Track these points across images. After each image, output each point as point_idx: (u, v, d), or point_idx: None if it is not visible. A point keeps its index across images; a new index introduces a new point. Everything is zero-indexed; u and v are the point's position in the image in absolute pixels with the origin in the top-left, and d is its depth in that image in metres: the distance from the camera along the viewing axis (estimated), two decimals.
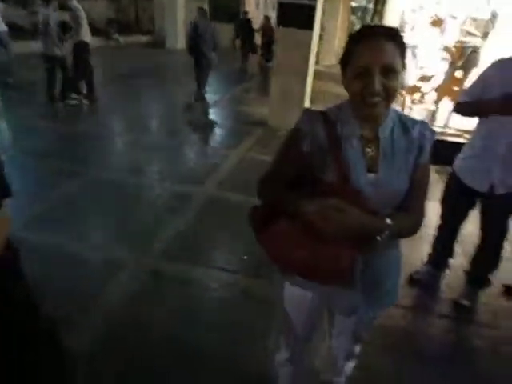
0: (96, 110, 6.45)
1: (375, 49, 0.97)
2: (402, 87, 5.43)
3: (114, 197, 3.59)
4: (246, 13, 12.77)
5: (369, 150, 1.09)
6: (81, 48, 6.19)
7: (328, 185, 1.08)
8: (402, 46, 1.00)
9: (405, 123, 1.11)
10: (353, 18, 22.35)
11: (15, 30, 10.39)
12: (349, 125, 1.09)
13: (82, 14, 6.10)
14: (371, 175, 1.08)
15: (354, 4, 20.98)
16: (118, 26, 15.60)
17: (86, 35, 6.24)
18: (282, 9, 4.85)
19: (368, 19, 11.25)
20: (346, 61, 1.04)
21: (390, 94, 1.00)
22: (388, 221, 1.04)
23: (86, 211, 3.31)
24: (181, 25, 15.41)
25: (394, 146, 1.09)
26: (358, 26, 20.77)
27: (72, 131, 5.34)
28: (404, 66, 1.02)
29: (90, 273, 2.53)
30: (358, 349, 1.49)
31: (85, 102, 6.50)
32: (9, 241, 1.06)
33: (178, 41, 15.49)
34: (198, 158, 4.91)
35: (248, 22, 11.66)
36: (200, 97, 7.34)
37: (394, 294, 1.29)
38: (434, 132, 1.12)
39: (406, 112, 5.36)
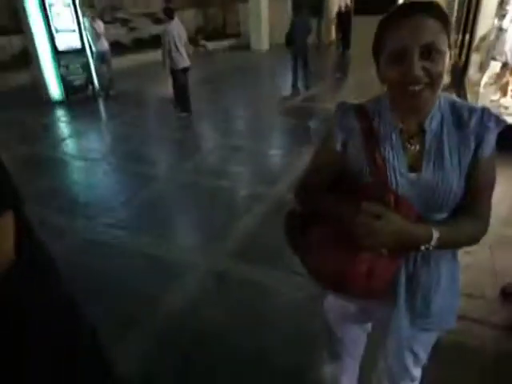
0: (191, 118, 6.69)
1: (411, 27, 0.81)
2: (506, 67, 4.71)
3: (193, 198, 3.75)
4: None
5: (411, 145, 0.92)
6: None
7: (365, 186, 0.95)
8: (445, 21, 0.82)
9: (459, 112, 0.91)
10: None
11: (116, 47, 11.61)
12: (387, 118, 0.94)
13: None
14: (413, 175, 0.91)
15: None
16: (206, 33, 16.45)
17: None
18: None
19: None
20: (378, 47, 0.89)
21: (434, 80, 0.82)
22: (435, 228, 0.87)
23: (165, 213, 3.50)
24: (265, 27, 15.66)
25: (443, 140, 0.90)
26: (457, 3, 18.84)
27: (164, 136, 5.75)
28: (451, 45, 0.84)
29: (159, 274, 2.65)
30: (418, 372, 1.30)
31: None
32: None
33: (263, 42, 15.74)
34: (277, 158, 4.88)
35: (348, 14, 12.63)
36: (296, 87, 8.05)
37: (449, 316, 1.07)
38: (501, 120, 0.90)
39: (509, 97, 4.64)
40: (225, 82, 9.53)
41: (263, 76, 11.21)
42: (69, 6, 7.28)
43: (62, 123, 6.61)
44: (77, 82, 7.69)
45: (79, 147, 5.43)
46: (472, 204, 0.92)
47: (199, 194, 3.78)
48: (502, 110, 4.66)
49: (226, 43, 17.07)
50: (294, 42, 7.77)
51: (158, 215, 3.39)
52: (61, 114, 7.02)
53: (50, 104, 7.41)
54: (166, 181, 4.12)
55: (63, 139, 5.65)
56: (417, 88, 0.82)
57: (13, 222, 0.88)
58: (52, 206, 3.55)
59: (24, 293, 0.97)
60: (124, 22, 15.71)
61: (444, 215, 0.94)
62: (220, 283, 2.51)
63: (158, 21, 15.62)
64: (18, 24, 7.73)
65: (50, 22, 7.00)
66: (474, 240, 0.95)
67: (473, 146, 0.89)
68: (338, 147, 0.98)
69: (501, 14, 4.78)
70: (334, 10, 16.98)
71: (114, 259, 2.78)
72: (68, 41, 7.40)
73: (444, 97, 0.93)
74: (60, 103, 7.46)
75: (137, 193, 3.81)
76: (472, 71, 6.28)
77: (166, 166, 4.63)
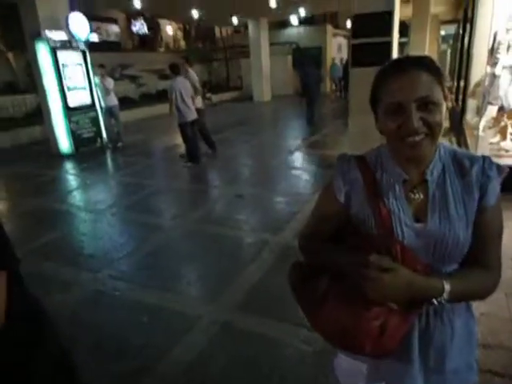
0: (198, 167, 6.82)
1: (407, 81, 0.84)
2: (502, 111, 4.82)
3: (199, 247, 3.72)
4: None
5: (414, 195, 0.93)
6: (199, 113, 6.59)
7: (370, 238, 0.93)
8: (438, 74, 0.86)
9: (461, 161, 0.92)
10: (444, 46, 21.37)
11: (125, 101, 12.13)
12: (389, 169, 0.95)
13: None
14: (419, 225, 0.90)
15: (443, 33, 20.16)
16: (210, 86, 17.21)
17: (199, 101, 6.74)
18: (355, 49, 4.80)
19: (459, 45, 10.59)
20: (375, 100, 0.92)
21: (433, 130, 0.85)
22: (446, 281, 0.85)
23: (170, 264, 3.47)
24: (266, 80, 16.41)
25: (446, 189, 0.91)
26: (449, 54, 19.76)
27: (170, 186, 5.83)
28: (446, 96, 0.87)
29: (164, 326, 2.57)
30: None
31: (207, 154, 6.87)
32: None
33: (265, 94, 16.40)
34: (284, 205, 4.90)
35: (346, 66, 13.53)
36: (311, 125, 9.55)
37: (467, 373, 1.00)
38: (502, 169, 0.90)
39: (509, 140, 4.71)
40: (230, 131, 9.80)
41: (268, 125, 11.55)
42: (81, 65, 7.72)
43: (71, 176, 6.75)
44: (86, 136, 7.96)
45: (86, 199, 5.50)
46: (481, 254, 0.91)
47: (204, 244, 3.76)
48: (503, 153, 4.71)
49: (229, 95, 17.80)
50: (308, 90, 9.40)
51: (163, 266, 3.35)
52: (69, 166, 7.19)
53: (59, 157, 7.63)
54: (172, 231, 4.12)
55: (71, 191, 5.74)
56: (416, 138, 0.84)
57: (5, 285, 0.88)
58: (57, 259, 3.53)
59: (18, 350, 0.98)
60: (133, 79, 16.55)
61: (454, 266, 0.92)
62: (225, 335, 2.42)
63: (164, 77, 16.47)
64: (33, 83, 8.15)
65: (63, 80, 7.38)
66: (487, 292, 0.92)
67: (477, 195, 0.89)
68: (342, 198, 0.98)
69: (492, 61, 4.97)
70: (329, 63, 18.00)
71: (117, 311, 2.71)
72: (79, 97, 7.75)
73: (444, 146, 0.94)
74: (69, 156, 7.67)
75: (141, 244, 3.80)
76: (469, 115, 6.45)
77: (172, 216, 4.65)
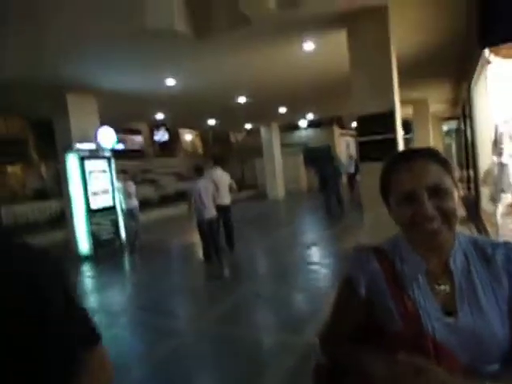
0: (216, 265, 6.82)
1: (417, 170, 0.87)
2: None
3: (214, 352, 3.49)
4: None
5: (439, 287, 0.88)
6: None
7: (396, 335, 0.86)
8: (445, 164, 0.89)
9: (483, 249, 0.89)
10: (447, 139, 22.39)
11: (145, 203, 12.62)
12: (410, 259, 0.91)
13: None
14: (449, 319, 0.84)
15: (445, 128, 21.30)
16: None
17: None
18: (362, 146, 5.07)
19: (463, 138, 11.14)
20: (386, 191, 0.93)
21: (448, 217, 0.84)
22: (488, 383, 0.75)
23: (183, 371, 3.23)
24: (279, 178, 17.10)
25: (472, 278, 0.86)
26: (454, 147, 20.56)
27: (187, 286, 5.72)
28: (456, 185, 0.89)
29: None
30: None
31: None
32: None
33: (279, 191, 16.94)
34: (301, 303, 4.69)
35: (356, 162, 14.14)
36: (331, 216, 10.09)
37: None
38: None
39: None
40: (247, 228, 9.89)
41: (283, 221, 11.68)
42: (105, 171, 8.26)
43: (88, 278, 6.73)
44: (105, 237, 8.13)
45: (101, 301, 5.39)
46: None
47: (221, 347, 3.52)
48: None
49: (244, 194, 18.39)
50: (327, 184, 10.36)
51: (175, 374, 3.11)
52: (87, 268, 7.22)
53: (78, 259, 7.71)
54: (186, 334, 3.91)
55: (87, 293, 5.67)
56: (433, 226, 0.83)
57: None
58: None
59: None
60: (152, 182, 17.46)
61: (494, 366, 0.82)
62: None
63: (181, 178, 17.36)
64: (59, 190, 8.66)
65: (88, 186, 7.84)
66: None
67: (506, 283, 0.85)
68: (362, 291, 0.93)
69: (498, 151, 5.14)
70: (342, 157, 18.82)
71: None
72: (101, 200, 8.14)
73: (463, 235, 0.92)
74: (88, 258, 7.75)
75: (154, 348, 3.59)
76: (485, 203, 6.44)
77: (187, 318, 4.47)
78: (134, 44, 5.25)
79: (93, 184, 7.95)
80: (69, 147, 7.68)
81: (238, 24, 2.87)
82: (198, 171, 6.39)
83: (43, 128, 11.67)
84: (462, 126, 10.87)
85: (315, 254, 6.98)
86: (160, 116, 12.03)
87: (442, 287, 0.88)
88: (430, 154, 0.90)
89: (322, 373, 1.01)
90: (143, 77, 7.20)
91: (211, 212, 6.29)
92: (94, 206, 7.92)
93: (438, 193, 0.84)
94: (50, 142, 8.55)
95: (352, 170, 15.06)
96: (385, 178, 0.94)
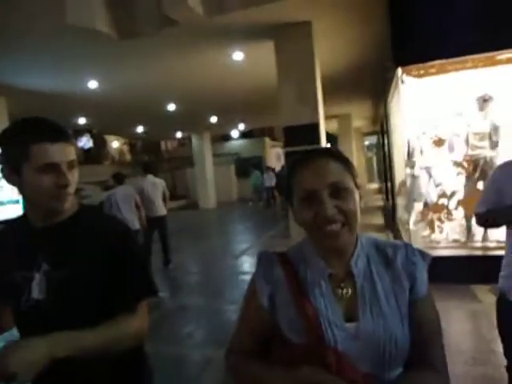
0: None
1: (317, 168, 0.84)
2: (427, 206, 5.25)
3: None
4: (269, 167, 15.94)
5: (342, 290, 0.85)
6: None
7: (301, 348, 0.81)
8: (346, 163, 0.87)
9: (383, 251, 0.89)
10: (369, 153, 24.06)
11: None
12: (313, 263, 0.88)
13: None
14: (351, 325, 0.81)
15: (367, 142, 22.91)
16: None
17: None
18: (287, 156, 5.19)
19: (381, 152, 12.03)
20: (289, 192, 0.90)
21: (349, 217, 0.82)
22: None
23: None
24: (211, 188, 16.97)
25: (374, 281, 0.85)
26: (375, 160, 22.15)
27: None
28: (358, 185, 0.87)
29: None
30: None
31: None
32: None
33: (210, 201, 16.79)
34: (228, 315, 4.59)
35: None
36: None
37: None
38: (426, 254, 0.89)
39: (437, 232, 5.04)
40: (177, 237, 9.55)
41: (214, 230, 11.55)
42: None
43: None
44: None
45: None
46: (423, 353, 0.82)
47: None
48: (435, 245, 4.99)
49: (175, 204, 17.93)
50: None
51: None
52: None
53: None
54: None
55: None
56: (334, 227, 0.80)
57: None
58: None
59: None
60: (77, 191, 16.28)
61: (397, 372, 0.81)
62: None
63: (108, 188, 16.44)
64: None
65: None
66: None
67: (407, 285, 0.84)
68: (265, 303, 0.88)
69: (411, 164, 5.57)
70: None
71: None
72: (11, 211, 7.33)
73: (365, 237, 0.91)
74: None
75: None
76: (400, 212, 6.94)
77: None
78: (52, 41, 4.83)
79: (1, 192, 7.15)
80: None
81: (163, 27, 2.74)
82: (117, 178, 5.88)
83: None
84: (381, 141, 11.73)
85: (245, 263, 6.96)
86: (83, 120, 11.28)
87: (345, 291, 0.86)
88: (331, 153, 0.88)
89: None
90: (62, 77, 6.66)
91: (132, 224, 5.57)
92: (1, 217, 7.11)
93: (339, 192, 0.82)
94: None
95: (271, 183, 14.98)
96: (288, 178, 0.90)
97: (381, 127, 10.75)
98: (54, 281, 1.02)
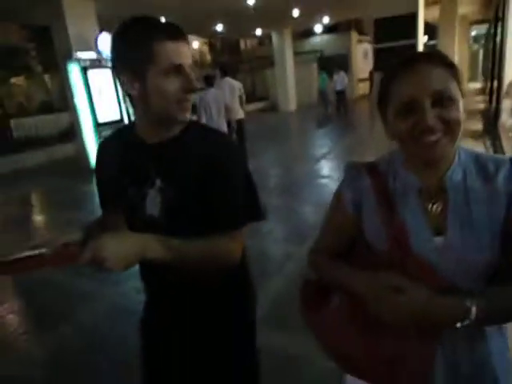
0: None
1: (420, 76, 0.76)
2: None
3: None
4: None
5: (432, 206, 0.83)
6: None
7: (383, 253, 0.85)
8: (454, 69, 0.78)
9: (484, 166, 0.82)
10: (475, 46, 20.70)
11: None
12: (403, 176, 0.86)
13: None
14: (438, 239, 0.81)
15: (473, 33, 19.54)
16: None
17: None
18: (378, 53, 4.70)
19: (491, 45, 10.22)
20: (384, 101, 0.84)
21: (452, 128, 0.76)
22: (472, 301, 0.73)
23: None
24: (292, 90, 16.40)
25: (468, 197, 0.80)
26: (481, 54, 19.09)
27: None
28: (463, 94, 0.79)
29: None
30: None
31: None
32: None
33: (290, 104, 16.39)
34: (308, 215, 4.81)
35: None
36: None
37: None
38: None
39: None
40: (258, 141, 9.78)
41: (294, 134, 11.53)
42: (110, 83, 7.99)
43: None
44: None
45: None
46: (510, 270, 0.80)
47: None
48: None
49: (254, 106, 17.90)
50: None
51: None
52: None
53: (90, 171, 7.85)
54: None
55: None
56: (433, 138, 0.75)
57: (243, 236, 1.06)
58: (83, 272, 3.59)
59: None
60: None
61: (481, 285, 0.82)
62: None
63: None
64: (66, 102, 8.53)
65: (93, 98, 7.66)
66: None
67: (504, 203, 0.79)
68: (350, 209, 0.90)
69: None
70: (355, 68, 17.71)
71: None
72: (108, 114, 8.02)
73: (465, 150, 0.85)
74: None
75: None
76: (505, 117, 6.14)
77: None
78: None
79: (98, 96, 7.76)
80: (69, 56, 7.33)
81: None
82: (208, 80, 5.88)
83: (43, 36, 11.06)
84: (493, 31, 9.92)
85: (324, 167, 6.98)
86: (163, 20, 11.19)
87: (435, 206, 0.83)
88: (436, 57, 0.78)
89: (310, 289, 1.04)
90: None
91: (220, 127, 5.78)
92: (101, 119, 7.84)
93: (443, 101, 0.75)
94: (52, 52, 8.17)
95: (343, 85, 13.04)
96: (384, 87, 0.83)
97: (495, 14, 9.00)
98: (168, 198, 1.00)
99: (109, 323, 2.78)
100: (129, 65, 0.92)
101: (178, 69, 0.91)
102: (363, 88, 19.32)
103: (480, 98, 12.81)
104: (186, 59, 0.93)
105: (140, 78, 0.91)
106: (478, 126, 8.33)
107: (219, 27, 13.37)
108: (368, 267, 0.84)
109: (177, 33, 0.92)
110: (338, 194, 0.94)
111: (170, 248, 0.92)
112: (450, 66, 0.78)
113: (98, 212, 1.24)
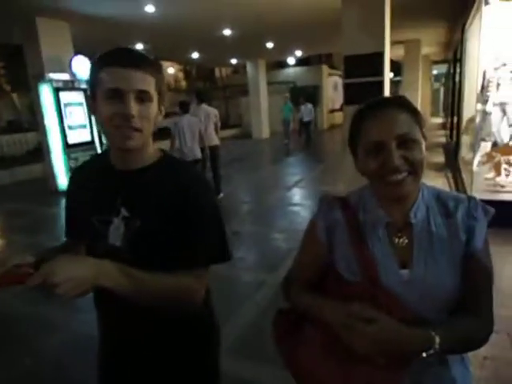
0: None
1: (386, 119, 0.84)
2: (496, 147, 4.89)
3: None
4: None
5: (399, 239, 0.89)
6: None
7: (353, 286, 0.89)
8: (415, 114, 0.86)
9: (445, 203, 0.89)
10: (436, 84, 22.05)
11: None
12: (372, 211, 0.92)
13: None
14: (404, 271, 0.86)
15: (435, 72, 20.89)
16: None
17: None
18: (347, 88, 4.93)
19: (451, 83, 10.95)
20: (354, 141, 0.91)
21: (415, 168, 0.83)
22: (436, 331, 0.78)
23: None
24: (265, 118, 16.74)
25: (431, 232, 0.87)
26: (442, 92, 20.33)
27: None
28: (425, 136, 0.86)
29: None
30: None
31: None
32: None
33: (263, 131, 16.70)
34: (279, 242, 4.84)
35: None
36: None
37: None
38: (488, 210, 0.88)
39: (504, 176, 4.73)
40: (230, 167, 9.84)
41: (266, 161, 11.69)
42: (81, 104, 7.89)
43: None
44: None
45: None
46: (472, 303, 0.86)
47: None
48: (499, 189, 4.72)
49: (228, 133, 18.09)
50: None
51: None
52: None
53: (57, 194, 7.63)
54: None
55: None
56: (399, 177, 0.82)
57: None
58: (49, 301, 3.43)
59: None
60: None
61: (443, 316, 0.87)
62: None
63: (166, 115, 16.82)
64: (36, 122, 8.32)
65: (64, 119, 7.53)
66: (480, 341, 0.87)
67: (463, 238, 0.86)
68: (323, 237, 0.94)
69: (483, 99, 5.10)
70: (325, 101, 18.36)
71: None
72: (79, 135, 7.87)
73: (427, 188, 0.92)
74: None
75: None
76: (464, 151, 6.53)
77: None
78: None
79: (69, 117, 7.63)
80: (40, 77, 7.23)
81: None
82: (183, 106, 5.91)
83: (14, 56, 10.89)
84: (452, 71, 10.66)
85: (296, 195, 7.09)
86: (140, 46, 11.31)
87: (401, 240, 0.89)
88: (400, 102, 0.86)
89: (283, 319, 1.06)
90: (120, 1, 6.62)
91: (194, 153, 5.83)
92: (71, 141, 7.68)
93: (407, 143, 0.82)
94: (23, 71, 8.02)
95: (308, 117, 12.83)
96: (353, 127, 0.90)
97: (454, 55, 9.71)
98: (131, 229, 0.98)
99: (72, 352, 2.65)
100: (89, 89, 0.97)
101: (116, 93, 0.90)
102: (333, 118, 20.02)
103: (442, 132, 13.55)
104: (130, 85, 0.90)
105: (94, 102, 0.95)
106: (440, 158, 8.79)
107: (195, 55, 13.63)
108: (340, 298, 0.87)
109: (125, 59, 0.91)
110: (312, 223, 0.99)
111: (129, 276, 0.88)
112: (413, 112, 0.86)
113: (62, 237, 1.20)
